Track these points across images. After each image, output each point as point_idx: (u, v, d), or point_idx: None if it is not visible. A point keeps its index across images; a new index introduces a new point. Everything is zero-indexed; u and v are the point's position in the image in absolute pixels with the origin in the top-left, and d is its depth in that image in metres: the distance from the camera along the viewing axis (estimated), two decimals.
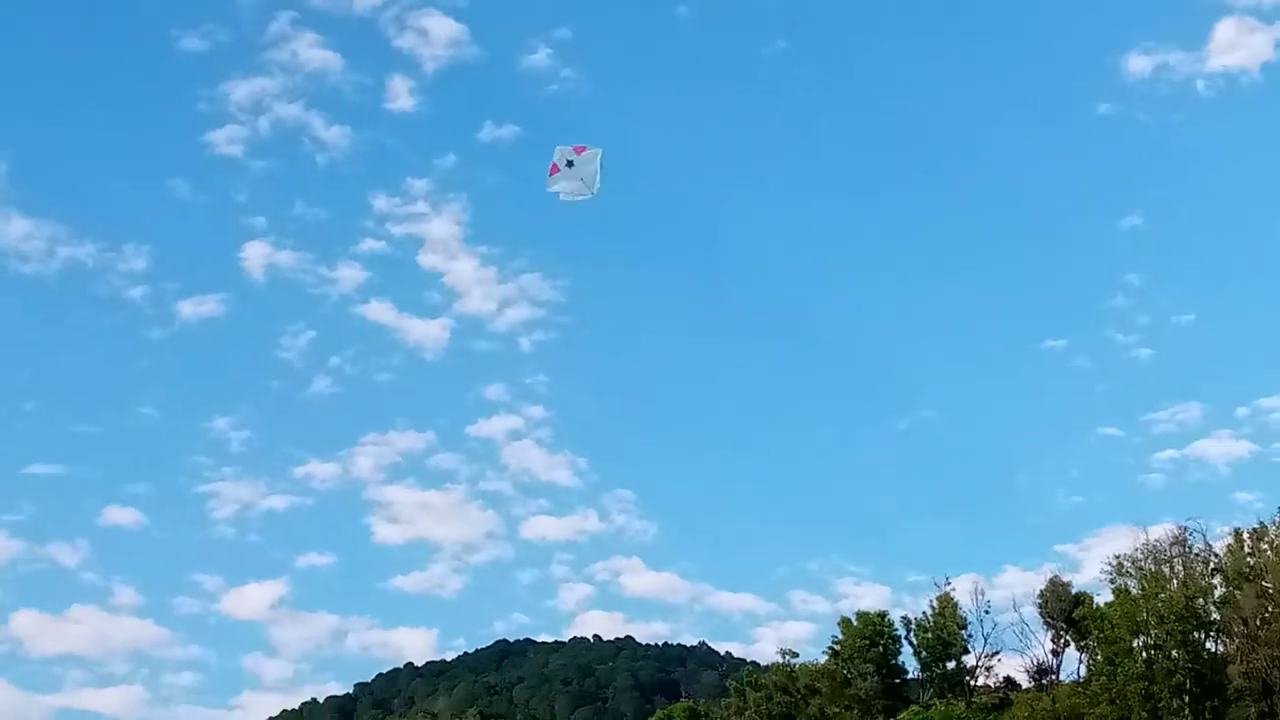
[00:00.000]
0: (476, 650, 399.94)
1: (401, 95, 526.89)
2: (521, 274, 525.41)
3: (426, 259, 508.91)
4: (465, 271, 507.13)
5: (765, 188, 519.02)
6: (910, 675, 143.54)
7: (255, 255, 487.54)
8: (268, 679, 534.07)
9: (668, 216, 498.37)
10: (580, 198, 69.04)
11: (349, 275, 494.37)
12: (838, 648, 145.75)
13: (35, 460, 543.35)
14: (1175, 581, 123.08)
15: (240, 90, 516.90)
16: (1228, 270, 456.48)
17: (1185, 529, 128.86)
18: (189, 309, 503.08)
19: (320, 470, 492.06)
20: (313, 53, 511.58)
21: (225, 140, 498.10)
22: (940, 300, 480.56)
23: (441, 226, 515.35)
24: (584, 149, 67.95)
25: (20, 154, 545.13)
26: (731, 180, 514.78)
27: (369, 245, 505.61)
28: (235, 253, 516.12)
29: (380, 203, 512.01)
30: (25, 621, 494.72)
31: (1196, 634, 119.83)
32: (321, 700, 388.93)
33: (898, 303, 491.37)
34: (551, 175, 68.92)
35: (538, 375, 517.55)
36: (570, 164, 67.83)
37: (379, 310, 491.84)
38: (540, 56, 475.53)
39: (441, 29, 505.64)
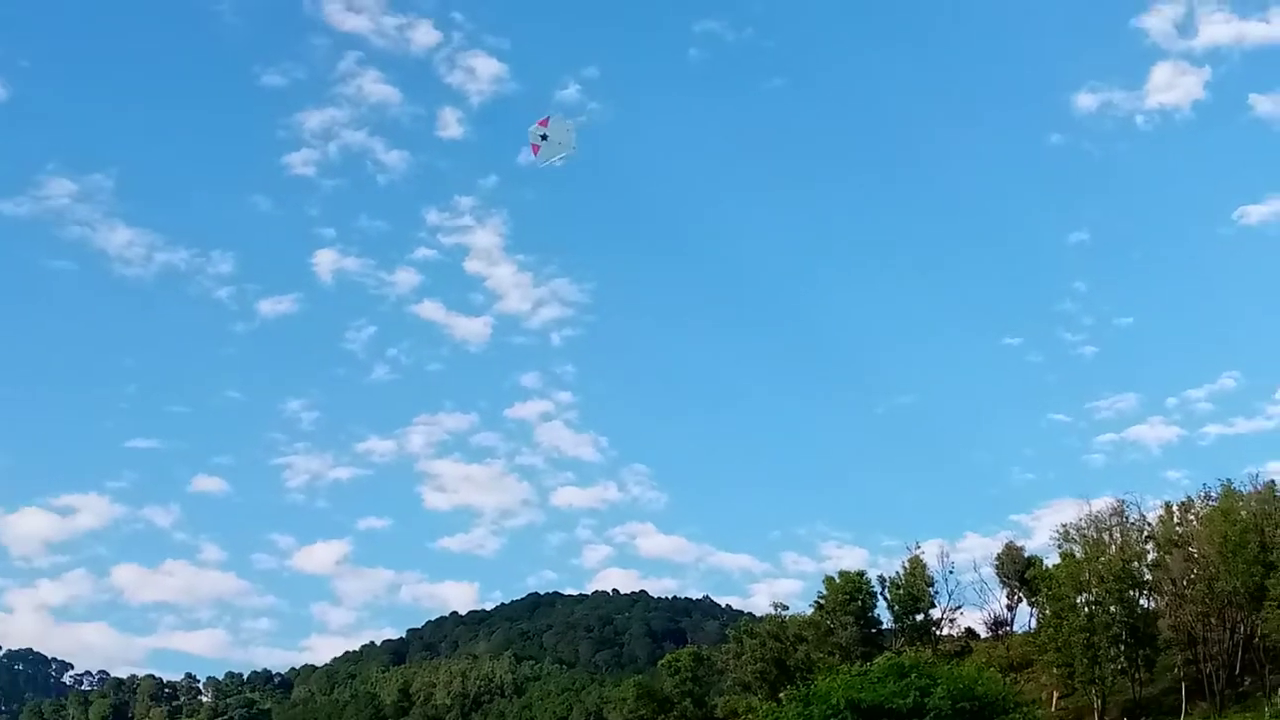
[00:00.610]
0: (511, 601, 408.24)
1: (451, 124, 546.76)
2: (553, 278, 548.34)
3: (471, 265, 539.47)
4: (505, 276, 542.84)
5: (764, 201, 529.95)
6: (885, 626, 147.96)
7: (325, 261, 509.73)
8: (332, 625, 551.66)
9: (678, 227, 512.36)
10: (564, 155, 71.89)
11: (405, 279, 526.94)
12: (822, 602, 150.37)
13: (135, 435, 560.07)
14: (1114, 547, 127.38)
15: (313, 119, 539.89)
16: (1161, 280, 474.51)
17: (1123, 502, 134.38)
18: (267, 307, 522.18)
19: (379, 446, 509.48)
20: (375, 87, 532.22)
21: (300, 162, 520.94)
22: (913, 301, 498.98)
23: (484, 237, 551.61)
24: (547, 120, 70.92)
25: (124, 171, 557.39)
26: (734, 195, 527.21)
27: (422, 253, 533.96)
28: (308, 258, 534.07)
29: (432, 216, 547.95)
30: (125, 574, 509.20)
31: (1132, 592, 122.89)
32: (378, 644, 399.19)
33: (877, 302, 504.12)
34: (535, 154, 71.62)
35: (566, 366, 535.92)
36: (544, 138, 70.79)
37: (430, 309, 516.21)
38: (571, 91, 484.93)
39: (486, 68, 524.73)
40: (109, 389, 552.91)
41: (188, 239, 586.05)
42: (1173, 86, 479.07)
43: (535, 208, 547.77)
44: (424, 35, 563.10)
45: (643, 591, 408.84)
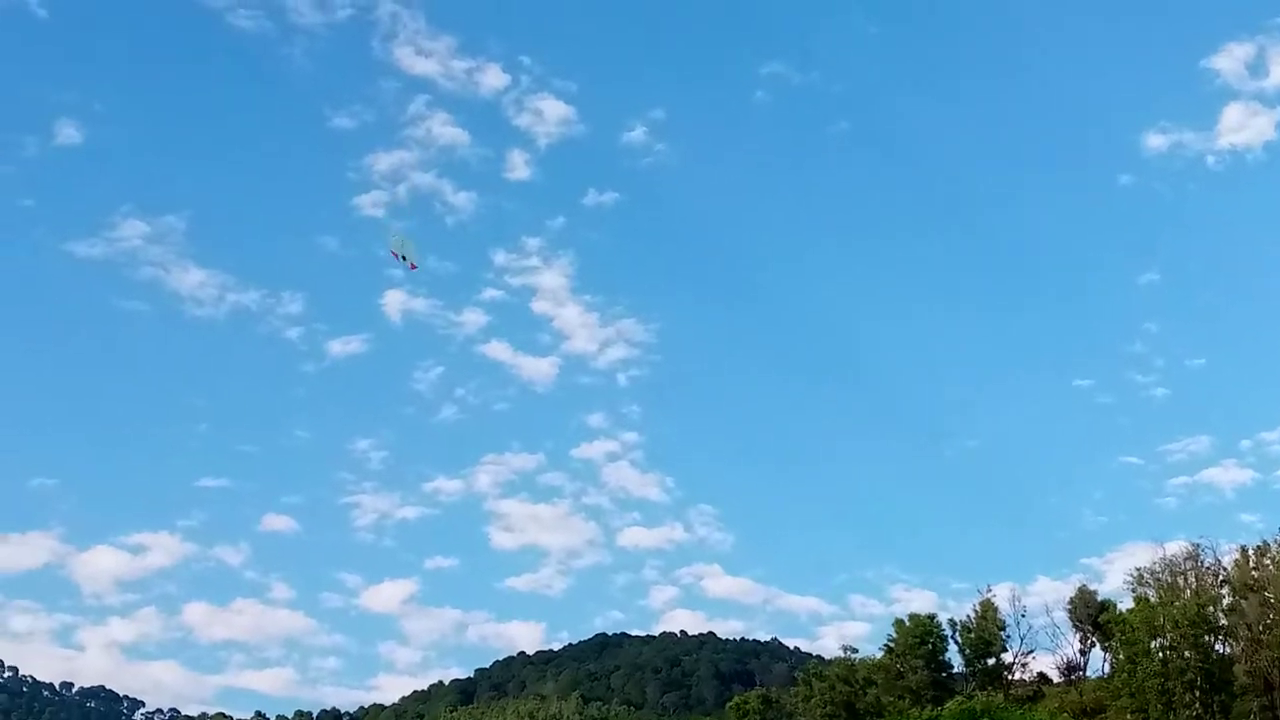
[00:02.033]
0: (579, 642, 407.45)
1: (519, 166, 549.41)
2: (619, 319, 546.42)
3: (538, 306, 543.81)
4: (571, 317, 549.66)
5: (829, 245, 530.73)
6: (955, 670, 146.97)
7: (394, 301, 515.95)
8: (400, 664, 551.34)
9: (743, 269, 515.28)
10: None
11: (472, 319, 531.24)
12: (892, 645, 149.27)
13: (205, 474, 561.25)
14: (1188, 591, 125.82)
15: (382, 161, 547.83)
16: (1233, 320, 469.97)
17: (1197, 546, 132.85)
18: (337, 347, 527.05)
19: (446, 485, 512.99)
20: (444, 130, 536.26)
21: (370, 203, 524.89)
22: (982, 344, 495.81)
23: (551, 278, 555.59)
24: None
25: (196, 213, 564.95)
26: (799, 238, 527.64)
27: (489, 294, 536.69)
28: (377, 299, 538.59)
29: (499, 257, 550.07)
30: (195, 612, 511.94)
31: (1207, 637, 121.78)
32: (446, 683, 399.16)
33: (945, 346, 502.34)
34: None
35: (632, 406, 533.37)
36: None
37: (497, 349, 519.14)
38: (637, 133, 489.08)
39: (554, 110, 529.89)
40: (180, 428, 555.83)
41: (258, 280, 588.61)
42: (1244, 127, 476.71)
43: (601, 249, 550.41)
44: (492, 78, 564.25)
45: (710, 633, 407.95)
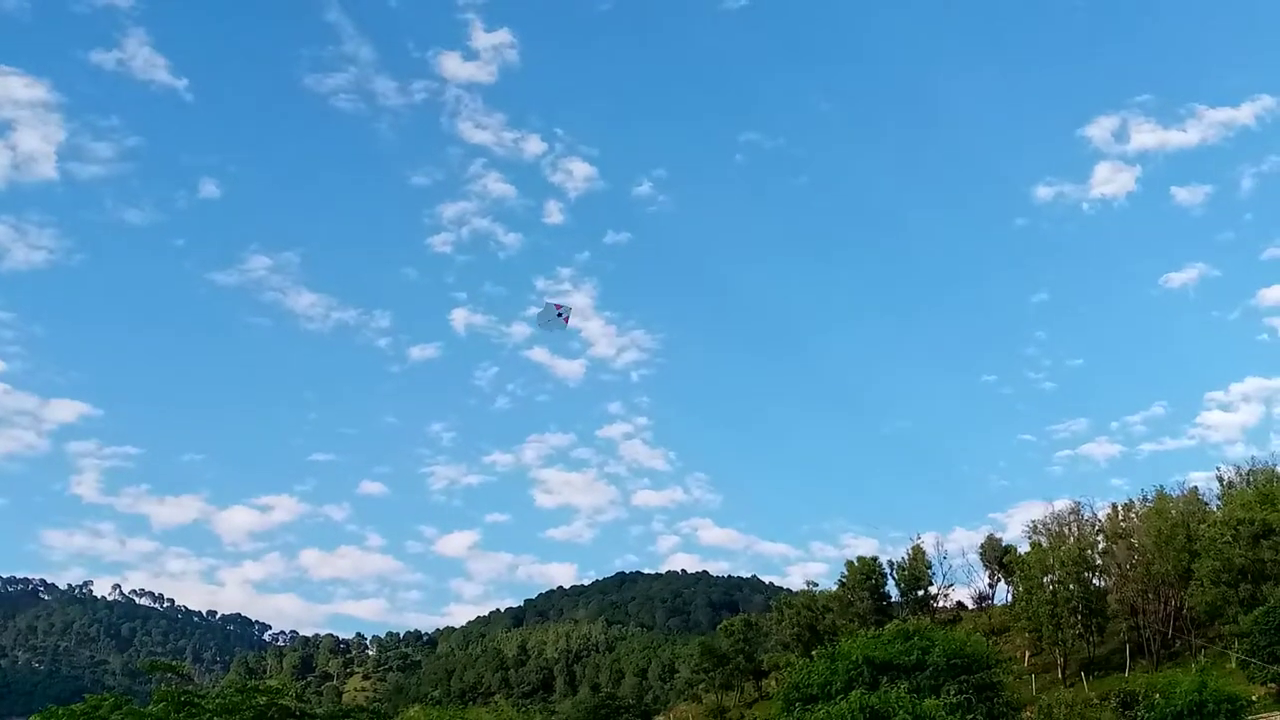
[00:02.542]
0: (603, 579, 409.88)
1: (554, 213, 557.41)
2: (632, 330, 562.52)
3: (571, 320, 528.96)
4: (595, 329, 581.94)
5: (792, 271, 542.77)
6: (893, 600, 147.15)
7: (459, 317, 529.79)
8: (466, 596, 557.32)
9: (727, 290, 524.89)
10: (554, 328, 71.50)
11: (519, 331, 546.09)
12: (844, 580, 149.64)
13: (316, 450, 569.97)
14: (1071, 539, 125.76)
15: (450, 210, 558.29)
16: (1105, 330, 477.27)
17: (1078, 503, 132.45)
18: (416, 352, 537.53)
19: (500, 458, 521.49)
20: (496, 185, 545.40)
21: (440, 242, 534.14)
22: (912, 346, 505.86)
23: (579, 299, 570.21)
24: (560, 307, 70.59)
25: (308, 250, 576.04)
26: (770, 266, 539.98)
27: (532, 311, 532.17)
28: (446, 315, 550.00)
29: (540, 283, 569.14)
30: (309, 556, 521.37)
31: (1086, 574, 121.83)
32: (502, 610, 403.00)
33: (883, 348, 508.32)
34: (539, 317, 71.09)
35: (642, 397, 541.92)
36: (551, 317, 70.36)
37: (539, 354, 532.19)
38: (645, 187, 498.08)
39: (580, 170, 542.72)
40: (296, 415, 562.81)
41: (355, 301, 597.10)
42: (1111, 181, 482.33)
43: (618, 276, 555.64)
44: (533, 146, 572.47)
45: (704, 571, 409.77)
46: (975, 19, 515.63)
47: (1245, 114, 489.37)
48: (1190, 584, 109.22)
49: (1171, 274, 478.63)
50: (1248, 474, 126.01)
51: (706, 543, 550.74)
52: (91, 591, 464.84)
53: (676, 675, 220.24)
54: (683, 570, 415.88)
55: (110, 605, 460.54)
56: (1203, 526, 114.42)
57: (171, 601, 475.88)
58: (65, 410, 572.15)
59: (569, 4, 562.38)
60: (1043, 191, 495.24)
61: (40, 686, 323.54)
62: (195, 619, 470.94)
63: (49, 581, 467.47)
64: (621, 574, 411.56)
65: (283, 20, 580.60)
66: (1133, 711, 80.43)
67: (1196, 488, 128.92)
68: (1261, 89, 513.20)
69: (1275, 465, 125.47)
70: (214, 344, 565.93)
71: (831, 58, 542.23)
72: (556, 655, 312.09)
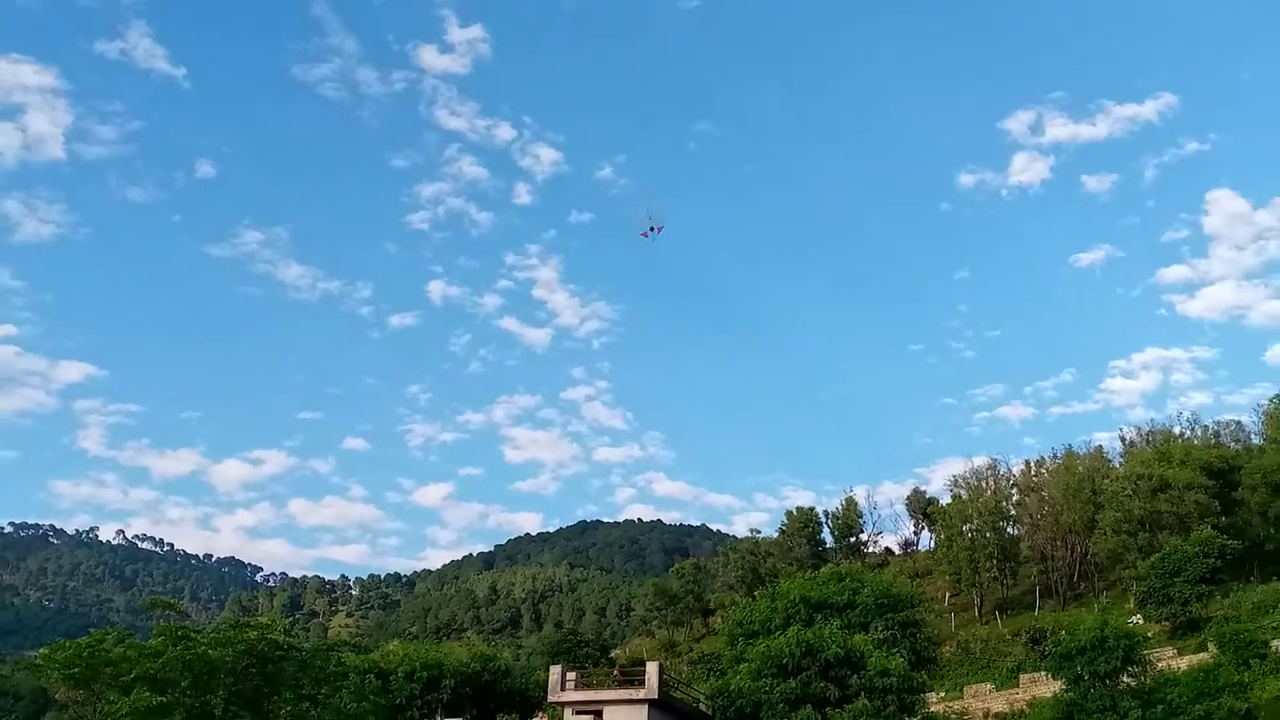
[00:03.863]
0: (566, 526, 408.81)
1: (523, 194, 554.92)
2: (594, 301, 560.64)
3: (537, 292, 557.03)
4: (560, 300, 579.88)
5: (737, 248, 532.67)
6: (828, 545, 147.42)
7: (435, 289, 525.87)
8: (441, 541, 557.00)
9: (678, 265, 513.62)
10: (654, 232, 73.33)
11: (491, 301, 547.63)
12: (784, 528, 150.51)
13: (303, 409, 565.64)
14: (988, 491, 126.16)
15: (427, 190, 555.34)
16: (1020, 305, 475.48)
17: (994, 460, 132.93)
18: (395, 320, 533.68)
19: (473, 418, 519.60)
20: (470, 168, 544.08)
21: (418, 220, 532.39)
22: (847, 319, 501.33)
23: (546, 273, 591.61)
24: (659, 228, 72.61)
25: (296, 226, 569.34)
26: (718, 243, 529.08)
27: (503, 284, 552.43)
28: (423, 287, 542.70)
29: (510, 258, 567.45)
30: (297, 505, 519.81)
31: (1001, 523, 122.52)
32: (474, 555, 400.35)
33: (822, 321, 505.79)
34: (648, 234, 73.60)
35: (603, 362, 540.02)
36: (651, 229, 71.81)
37: (509, 323, 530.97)
38: (606, 171, 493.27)
39: (547, 155, 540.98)
40: (285, 376, 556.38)
41: (339, 273, 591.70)
42: (1027, 170, 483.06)
43: (581, 252, 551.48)
44: (504, 132, 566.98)
45: (658, 520, 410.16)
46: (907, 21, 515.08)
47: (1149, 110, 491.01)
48: (1094, 533, 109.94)
49: (1080, 254, 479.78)
50: (1147, 434, 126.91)
51: (660, 494, 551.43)
52: (97, 536, 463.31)
53: (632, 613, 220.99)
54: (638, 519, 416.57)
55: (114, 549, 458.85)
56: (1106, 481, 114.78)
57: (171, 545, 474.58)
58: (72, 371, 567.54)
59: (537, 2, 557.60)
60: (966, 179, 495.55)
61: (50, 622, 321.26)
62: (193, 561, 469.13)
63: (58, 527, 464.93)
64: (583, 522, 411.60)
65: (273, 14, 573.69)
66: (1041, 646, 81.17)
67: (1101, 446, 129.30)
68: (1164, 87, 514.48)
69: (1172, 427, 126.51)
70: (210, 311, 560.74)
71: (776, 55, 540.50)
72: (523, 595, 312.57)
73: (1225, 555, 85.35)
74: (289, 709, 29.11)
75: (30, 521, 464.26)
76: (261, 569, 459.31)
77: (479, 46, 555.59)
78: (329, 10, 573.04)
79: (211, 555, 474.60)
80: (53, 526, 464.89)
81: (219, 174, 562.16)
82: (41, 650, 28.54)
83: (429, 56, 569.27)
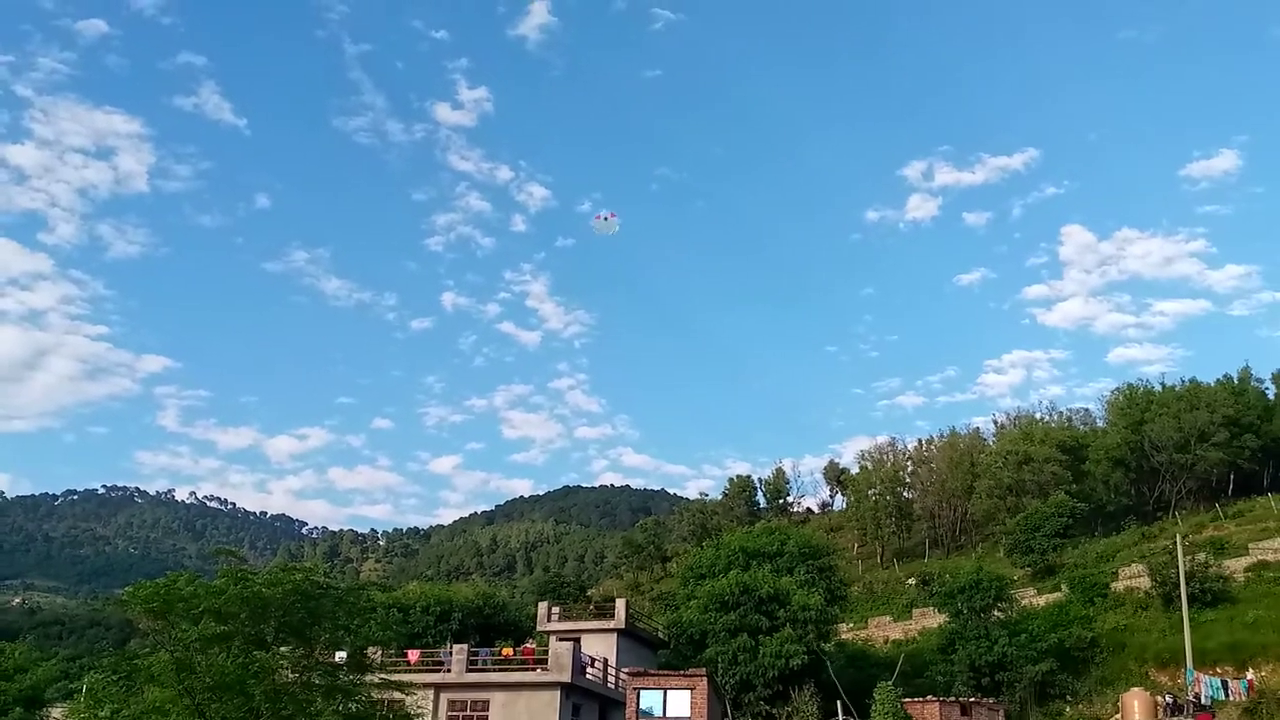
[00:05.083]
0: (553, 490, 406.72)
1: (519, 223, 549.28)
2: (576, 310, 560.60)
3: (529, 302, 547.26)
4: (549, 309, 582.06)
5: (692, 270, 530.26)
6: (762, 506, 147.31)
7: (448, 298, 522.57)
8: (451, 502, 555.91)
9: (643, 283, 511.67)
10: (609, 233, 67.16)
11: (492, 309, 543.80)
12: (727, 492, 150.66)
13: (340, 395, 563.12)
14: (888, 463, 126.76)
15: (441, 219, 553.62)
16: (914, 314, 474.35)
17: (893, 439, 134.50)
18: (416, 324, 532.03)
19: (477, 403, 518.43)
20: (476, 202, 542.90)
21: (433, 243, 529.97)
22: (774, 324, 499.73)
23: (537, 287, 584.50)
24: (612, 215, 66.55)
25: (336, 247, 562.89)
26: (675, 267, 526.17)
27: (502, 295, 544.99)
28: (438, 297, 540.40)
29: (508, 274, 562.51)
30: (335, 473, 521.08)
31: (899, 489, 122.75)
32: (479, 513, 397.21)
33: (756, 325, 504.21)
34: (596, 224, 67.69)
35: (583, 359, 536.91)
36: (605, 220, 68.44)
37: (507, 326, 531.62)
38: (586, 205, 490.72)
39: (538, 192, 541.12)
40: (325, 369, 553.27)
41: (371, 286, 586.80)
42: (920, 208, 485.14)
43: (565, 271, 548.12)
44: (504, 173, 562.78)
45: (627, 485, 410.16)
46: (825, 86, 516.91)
47: (1017, 160, 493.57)
48: (972, 496, 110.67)
49: (962, 275, 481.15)
50: (1014, 419, 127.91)
51: (628, 464, 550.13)
52: (173, 496, 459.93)
53: (605, 560, 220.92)
54: (611, 484, 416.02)
55: (187, 507, 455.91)
56: (982, 456, 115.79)
57: (233, 504, 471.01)
58: (153, 363, 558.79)
59: (531, 70, 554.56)
60: (871, 215, 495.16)
61: (135, 566, 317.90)
62: (251, 518, 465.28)
63: (141, 489, 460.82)
64: (566, 487, 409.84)
65: (318, 76, 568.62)
66: (929, 587, 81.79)
67: (978, 428, 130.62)
68: (1028, 143, 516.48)
69: (1033, 413, 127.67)
70: (265, 316, 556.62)
71: (719, 115, 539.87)
72: (518, 546, 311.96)
73: (1075, 515, 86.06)
74: (327, 636, 28.89)
75: (119, 484, 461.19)
76: (306, 524, 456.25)
77: (484, 104, 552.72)
78: (363, 74, 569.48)
79: (266, 512, 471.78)
80: (137, 489, 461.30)
81: (274, 205, 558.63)
82: (127, 589, 28.19)
83: (443, 112, 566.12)
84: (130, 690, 27.86)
